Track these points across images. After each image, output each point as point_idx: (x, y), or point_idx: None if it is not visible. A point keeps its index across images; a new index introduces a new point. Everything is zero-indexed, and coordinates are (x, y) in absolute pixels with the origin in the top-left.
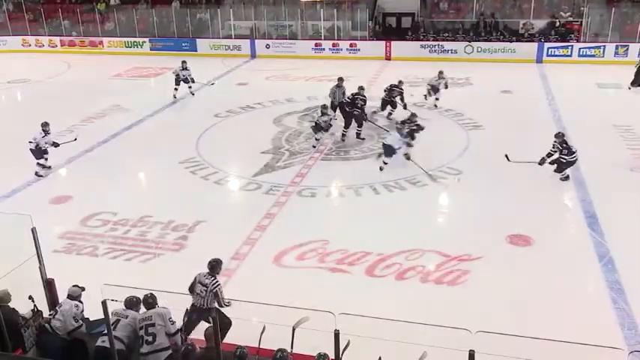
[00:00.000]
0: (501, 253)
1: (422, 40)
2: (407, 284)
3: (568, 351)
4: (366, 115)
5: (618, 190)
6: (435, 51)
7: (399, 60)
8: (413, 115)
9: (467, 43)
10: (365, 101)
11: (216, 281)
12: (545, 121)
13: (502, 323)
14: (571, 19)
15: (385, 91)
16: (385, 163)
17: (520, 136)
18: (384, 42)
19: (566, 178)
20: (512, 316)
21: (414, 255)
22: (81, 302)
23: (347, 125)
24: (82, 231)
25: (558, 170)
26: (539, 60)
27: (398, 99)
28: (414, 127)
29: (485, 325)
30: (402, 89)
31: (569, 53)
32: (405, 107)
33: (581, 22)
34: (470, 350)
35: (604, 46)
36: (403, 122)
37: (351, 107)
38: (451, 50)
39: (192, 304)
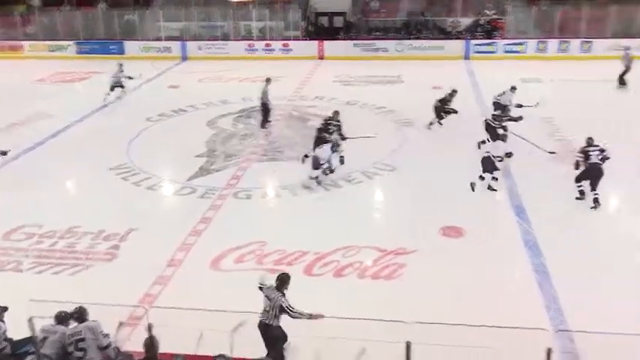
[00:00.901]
0: (435, 245)
1: (354, 39)
2: (345, 281)
3: (500, 335)
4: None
5: (543, 179)
6: (367, 49)
7: (332, 59)
8: (336, 112)
9: (398, 41)
10: (339, 127)
11: (282, 296)
12: (474, 115)
13: (438, 313)
14: (495, 16)
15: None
16: (314, 177)
17: (451, 131)
18: (316, 42)
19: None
20: (447, 306)
21: (351, 252)
22: (3, 322)
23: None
24: (5, 246)
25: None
26: (466, 56)
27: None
28: (336, 128)
29: (421, 316)
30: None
31: (494, 50)
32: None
33: (505, 19)
34: (407, 342)
35: (527, 42)
36: (327, 123)
37: (322, 132)
38: (383, 49)
39: (260, 320)
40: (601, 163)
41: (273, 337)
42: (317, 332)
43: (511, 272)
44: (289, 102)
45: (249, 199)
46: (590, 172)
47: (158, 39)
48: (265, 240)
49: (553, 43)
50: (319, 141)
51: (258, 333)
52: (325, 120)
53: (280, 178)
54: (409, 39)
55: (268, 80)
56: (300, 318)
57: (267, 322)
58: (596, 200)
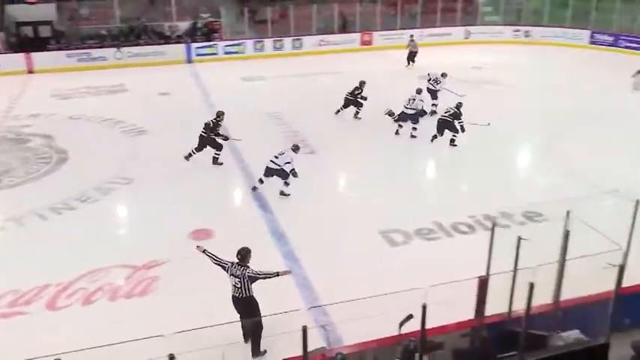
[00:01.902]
0: (187, 251)
1: (67, 49)
2: (96, 307)
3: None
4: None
5: None
6: (84, 59)
7: (44, 72)
8: (220, 113)
9: (116, 48)
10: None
11: (248, 268)
12: (205, 118)
13: (200, 318)
14: (211, 19)
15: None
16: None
17: (185, 135)
18: (22, 54)
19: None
20: (211, 309)
21: (98, 275)
22: None
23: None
24: None
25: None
26: (189, 60)
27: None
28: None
29: (180, 327)
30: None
31: (215, 51)
32: None
33: (221, 21)
34: (169, 354)
35: (244, 42)
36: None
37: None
38: (100, 57)
39: (233, 296)
40: None
41: (251, 305)
42: None
43: (264, 262)
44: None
45: None
46: None
47: None
48: None
49: (269, 43)
50: (207, 141)
51: None
52: (212, 121)
53: (1, 208)
54: (128, 46)
55: None
56: (271, 278)
57: (241, 295)
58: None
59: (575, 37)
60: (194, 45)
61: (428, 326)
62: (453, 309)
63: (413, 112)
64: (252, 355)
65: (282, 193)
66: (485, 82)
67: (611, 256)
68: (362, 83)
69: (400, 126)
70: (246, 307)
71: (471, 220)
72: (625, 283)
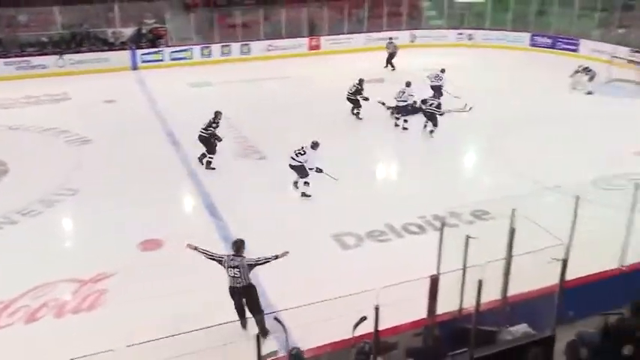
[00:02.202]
0: (136, 262)
1: (5, 57)
2: (41, 325)
3: (213, 333)
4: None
5: (227, 174)
6: (23, 67)
7: None
8: (218, 112)
9: (58, 56)
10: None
11: (245, 257)
12: (153, 125)
13: (151, 330)
14: (156, 25)
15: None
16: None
17: (131, 143)
18: None
19: None
20: (158, 321)
21: (43, 291)
22: None
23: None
24: None
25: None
26: (134, 67)
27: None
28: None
29: (132, 340)
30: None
31: (161, 58)
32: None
33: (166, 27)
34: None
35: (192, 48)
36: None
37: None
38: (40, 65)
39: (230, 287)
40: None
41: (252, 291)
42: None
43: (218, 270)
44: None
45: None
46: None
47: None
48: None
49: (216, 48)
50: (205, 142)
51: None
52: (210, 121)
53: None
54: (70, 53)
55: None
56: (270, 261)
57: (243, 284)
58: None
59: (516, 39)
60: (139, 51)
61: (381, 327)
62: (406, 309)
63: (404, 104)
64: (263, 335)
65: (303, 195)
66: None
67: (555, 251)
68: (361, 81)
69: (397, 118)
70: (248, 294)
71: (421, 220)
72: (568, 277)
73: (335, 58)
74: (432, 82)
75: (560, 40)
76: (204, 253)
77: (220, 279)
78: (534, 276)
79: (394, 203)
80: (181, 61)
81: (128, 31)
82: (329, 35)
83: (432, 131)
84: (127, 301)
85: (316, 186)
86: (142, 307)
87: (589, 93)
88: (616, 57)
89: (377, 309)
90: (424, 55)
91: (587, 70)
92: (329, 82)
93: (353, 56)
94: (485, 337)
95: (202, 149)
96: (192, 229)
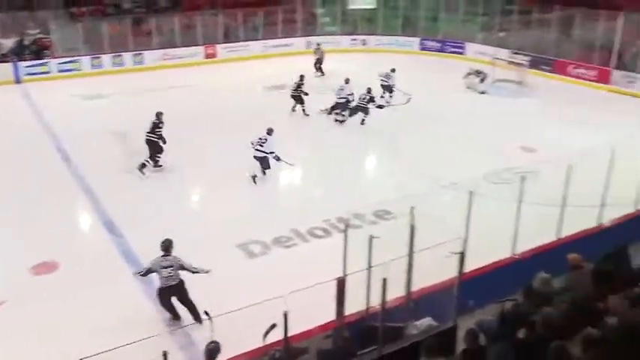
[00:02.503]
0: (29, 288)
1: None
2: None
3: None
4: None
5: (125, 189)
6: None
7: None
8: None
9: None
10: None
11: (176, 256)
12: (41, 141)
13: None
14: (41, 35)
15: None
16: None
17: (19, 162)
18: None
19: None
20: (45, 349)
21: None
22: None
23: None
24: None
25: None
26: (17, 80)
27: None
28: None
29: None
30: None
31: (47, 70)
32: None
33: (51, 38)
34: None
35: (80, 59)
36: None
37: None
38: None
39: (162, 289)
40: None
41: (183, 287)
42: None
43: (117, 287)
44: None
45: None
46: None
47: None
48: None
49: (107, 58)
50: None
51: None
52: (153, 122)
53: None
54: None
55: None
56: (199, 273)
57: (175, 282)
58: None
59: (407, 44)
60: (22, 64)
61: (291, 333)
62: (315, 312)
63: (343, 100)
64: (198, 321)
65: (254, 178)
66: (330, 88)
67: (453, 245)
68: (302, 77)
69: (337, 114)
70: (180, 291)
71: (326, 223)
72: (467, 268)
73: (232, 65)
74: (382, 81)
75: (448, 43)
76: (141, 274)
77: (130, 295)
78: (435, 270)
79: (299, 208)
80: (70, 73)
81: (8, 43)
82: (225, 43)
83: (363, 120)
84: (18, 330)
85: (218, 195)
86: (33, 335)
87: (482, 92)
88: (498, 59)
89: (286, 315)
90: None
91: (478, 72)
92: (228, 90)
93: (250, 63)
94: (393, 334)
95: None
96: (90, 247)
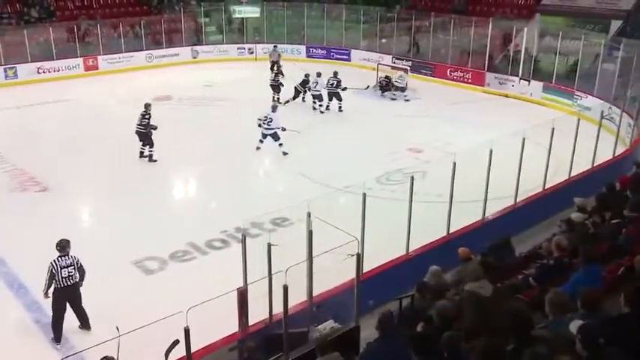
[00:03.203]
0: None
1: None
2: None
3: None
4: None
5: (3, 213)
6: None
7: None
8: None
9: None
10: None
11: (75, 255)
12: None
13: None
14: None
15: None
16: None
17: None
18: None
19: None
20: None
21: None
22: None
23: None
24: None
25: None
26: None
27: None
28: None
29: None
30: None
31: None
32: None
33: None
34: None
35: None
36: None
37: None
38: None
39: (60, 289)
40: None
41: (79, 293)
42: None
43: (4, 321)
44: None
45: None
46: None
47: None
48: None
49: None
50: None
51: None
52: (141, 114)
53: None
54: None
55: None
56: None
57: (75, 280)
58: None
59: (294, 51)
60: None
61: (194, 348)
62: (218, 325)
63: (317, 93)
64: (87, 327)
65: (284, 153)
66: (218, 98)
67: (350, 247)
68: (307, 75)
69: (314, 102)
70: (76, 292)
71: (224, 234)
72: (365, 269)
73: (115, 77)
74: (329, 88)
75: (333, 50)
76: (46, 285)
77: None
78: (335, 273)
79: (195, 221)
80: None
81: None
82: (105, 55)
83: (340, 107)
84: None
85: (107, 213)
86: None
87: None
88: (382, 64)
89: (187, 330)
90: (208, 70)
91: (387, 79)
92: (113, 102)
93: (135, 74)
94: (297, 339)
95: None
96: None
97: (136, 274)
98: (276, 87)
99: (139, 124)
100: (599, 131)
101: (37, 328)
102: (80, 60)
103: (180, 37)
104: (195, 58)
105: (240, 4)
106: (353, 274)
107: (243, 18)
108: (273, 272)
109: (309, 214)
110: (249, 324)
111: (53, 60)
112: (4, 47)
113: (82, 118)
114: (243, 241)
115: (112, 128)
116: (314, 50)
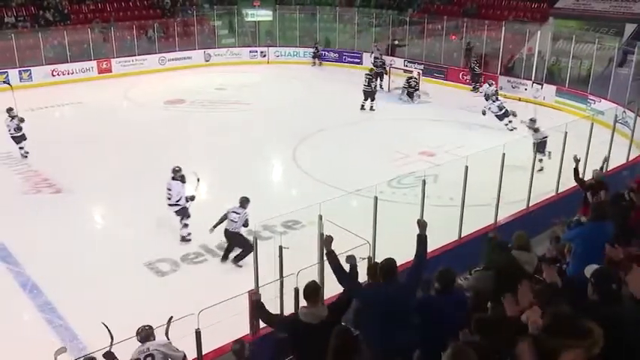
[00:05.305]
0: None
1: None
2: None
3: None
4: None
5: (18, 214)
6: None
7: None
8: None
9: None
10: None
11: (246, 212)
12: None
13: None
14: None
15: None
16: None
17: None
18: None
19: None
20: None
21: None
22: None
23: None
24: None
25: None
26: None
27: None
28: None
29: None
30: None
31: None
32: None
33: None
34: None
35: None
36: None
37: None
38: None
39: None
40: None
41: None
42: None
43: (16, 321)
44: None
45: None
46: None
47: None
48: None
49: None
50: None
51: None
52: None
53: None
54: None
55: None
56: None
57: None
58: None
59: (306, 55)
60: None
61: (205, 350)
62: (229, 328)
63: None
64: None
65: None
66: (231, 101)
67: (362, 251)
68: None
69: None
70: None
71: None
72: None
73: (128, 80)
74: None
75: (345, 54)
76: None
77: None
78: None
79: (207, 223)
80: None
81: None
82: (119, 57)
83: (372, 106)
84: None
85: (124, 217)
86: None
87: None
88: (394, 67)
89: (198, 333)
90: (221, 74)
91: (415, 80)
92: (128, 105)
93: (148, 77)
94: None
95: None
96: None
97: (148, 276)
98: (369, 93)
99: None
100: (612, 135)
101: (50, 329)
102: (94, 63)
103: (193, 40)
104: (207, 61)
105: (252, 8)
106: (364, 278)
107: (255, 21)
108: (284, 275)
109: (320, 217)
110: (260, 327)
111: (67, 63)
112: (19, 50)
113: (95, 121)
114: (255, 244)
115: (124, 131)
116: (326, 53)
